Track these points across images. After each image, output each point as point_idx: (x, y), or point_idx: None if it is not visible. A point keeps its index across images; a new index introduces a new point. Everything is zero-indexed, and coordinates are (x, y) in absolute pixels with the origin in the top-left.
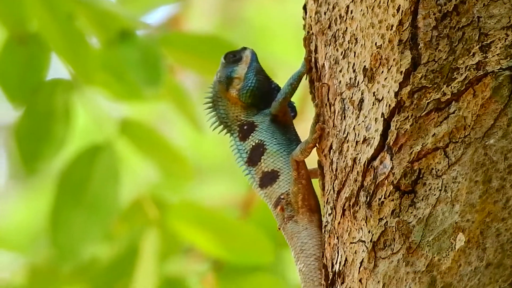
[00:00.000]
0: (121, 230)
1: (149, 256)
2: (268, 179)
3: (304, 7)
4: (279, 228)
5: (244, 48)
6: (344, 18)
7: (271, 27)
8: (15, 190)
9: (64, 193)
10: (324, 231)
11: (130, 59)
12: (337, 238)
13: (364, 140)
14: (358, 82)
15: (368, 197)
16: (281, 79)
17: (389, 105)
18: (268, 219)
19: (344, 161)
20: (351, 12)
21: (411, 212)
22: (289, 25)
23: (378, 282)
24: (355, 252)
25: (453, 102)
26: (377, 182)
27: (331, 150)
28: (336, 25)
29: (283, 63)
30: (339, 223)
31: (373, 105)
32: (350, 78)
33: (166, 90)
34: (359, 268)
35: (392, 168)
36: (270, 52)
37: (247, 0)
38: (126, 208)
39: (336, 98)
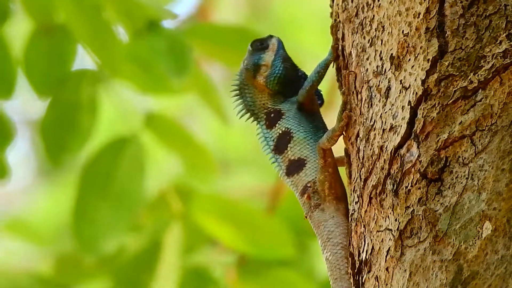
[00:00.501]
0: (146, 223)
1: (172, 248)
2: (294, 167)
3: None
4: (306, 217)
5: (271, 36)
6: (371, 6)
7: (298, 18)
8: (43, 183)
9: (89, 185)
10: (351, 220)
11: (157, 50)
12: (364, 226)
13: (391, 128)
14: (385, 70)
15: (395, 185)
16: (309, 70)
17: (416, 93)
18: (295, 210)
19: (371, 149)
20: (378, 0)
21: (438, 200)
22: (316, 16)
23: (405, 270)
24: (382, 241)
25: (480, 90)
26: (403, 170)
27: (358, 138)
28: (363, 12)
29: (311, 54)
30: (365, 211)
31: (400, 93)
32: (377, 66)
33: (192, 81)
34: (386, 256)
35: (419, 156)
36: (298, 43)
37: None
38: (151, 201)
39: (363, 86)
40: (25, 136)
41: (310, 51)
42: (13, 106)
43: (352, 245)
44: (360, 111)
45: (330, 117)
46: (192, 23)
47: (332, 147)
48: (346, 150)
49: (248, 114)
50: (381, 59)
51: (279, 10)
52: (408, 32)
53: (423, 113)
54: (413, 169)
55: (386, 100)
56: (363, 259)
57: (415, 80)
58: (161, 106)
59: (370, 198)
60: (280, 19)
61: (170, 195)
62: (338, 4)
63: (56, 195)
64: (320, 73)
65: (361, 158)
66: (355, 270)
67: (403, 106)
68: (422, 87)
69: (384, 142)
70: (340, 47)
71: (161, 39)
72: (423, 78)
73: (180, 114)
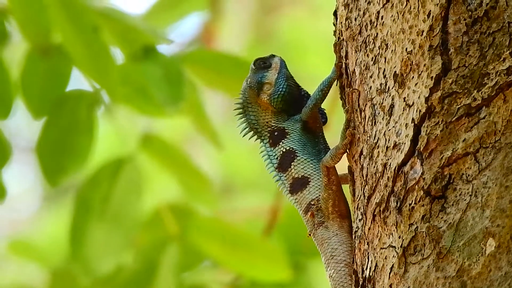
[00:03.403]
0: (142, 243)
1: (168, 268)
2: (298, 185)
3: (335, 13)
4: (310, 234)
5: (273, 55)
6: (375, 24)
7: (304, 41)
8: (50, 208)
9: (86, 206)
10: (354, 237)
11: (152, 76)
12: (368, 243)
13: (395, 145)
14: (389, 87)
15: (399, 203)
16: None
17: (420, 111)
18: (294, 229)
19: (374, 166)
20: (382, 18)
21: (442, 218)
22: (322, 39)
23: (409, 287)
24: (385, 258)
25: (484, 107)
26: (407, 187)
27: (362, 156)
28: (366, 30)
29: (316, 77)
30: (369, 228)
31: (403, 110)
32: (381, 84)
33: (187, 106)
34: (389, 273)
35: (422, 174)
36: (303, 66)
37: (280, 15)
38: (147, 221)
39: (366, 104)
40: (31, 163)
41: (315, 74)
42: (19, 132)
43: (356, 262)
44: (364, 129)
45: (328, 137)
46: (189, 49)
47: (335, 165)
48: (349, 168)
49: (252, 133)
50: (384, 76)
51: (285, 33)
52: (411, 50)
53: (426, 130)
54: (416, 186)
55: (390, 118)
56: (367, 276)
57: (419, 97)
58: (162, 130)
59: (374, 216)
60: (286, 41)
61: (166, 215)
62: (341, 23)
63: (61, 218)
64: (324, 91)
65: (364, 175)
66: (359, 287)
67: (406, 124)
68: (426, 105)
69: (388, 159)
70: (343, 65)
71: (157, 65)
72: (427, 95)
73: (183, 138)
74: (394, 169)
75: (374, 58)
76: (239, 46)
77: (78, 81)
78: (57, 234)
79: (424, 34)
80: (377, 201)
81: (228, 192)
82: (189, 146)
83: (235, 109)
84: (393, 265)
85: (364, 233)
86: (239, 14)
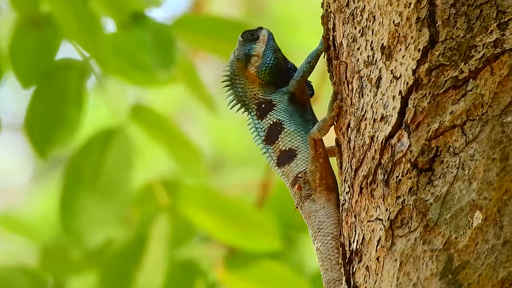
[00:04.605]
0: (133, 215)
1: (159, 241)
2: (285, 157)
3: None
4: (297, 207)
5: (261, 28)
6: None
7: (295, 17)
8: (41, 183)
9: (75, 178)
10: (342, 210)
11: (143, 42)
12: (355, 216)
13: (382, 118)
14: (376, 60)
15: (386, 175)
16: None
17: (407, 83)
18: (284, 203)
19: (361, 139)
20: None
21: (429, 190)
22: (313, 15)
23: (395, 260)
24: (373, 231)
25: (471, 79)
26: (394, 160)
27: (349, 128)
28: (354, 3)
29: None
30: (356, 201)
31: (390, 82)
32: (368, 56)
33: (180, 73)
34: (377, 246)
35: (409, 146)
36: (295, 42)
37: None
38: (138, 193)
39: (354, 76)
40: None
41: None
42: (12, 109)
43: (343, 235)
44: (351, 101)
45: (317, 111)
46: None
47: (323, 138)
48: (337, 140)
49: (239, 105)
50: (372, 49)
51: (275, 8)
52: (399, 22)
53: (414, 103)
54: (404, 159)
55: (377, 90)
56: (354, 249)
57: (406, 70)
58: (155, 103)
59: (361, 188)
60: (277, 17)
61: (157, 187)
62: None
63: (52, 193)
64: (311, 63)
65: (352, 148)
66: (346, 260)
67: (394, 96)
68: (413, 77)
69: (375, 132)
70: (331, 38)
71: (147, 31)
72: (414, 68)
73: (175, 112)
74: (381, 142)
75: (361, 30)
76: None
77: (69, 52)
78: (48, 209)
79: (412, 6)
80: (364, 173)
81: (219, 167)
82: (181, 120)
83: (222, 81)
84: (380, 238)
85: (351, 206)
86: None
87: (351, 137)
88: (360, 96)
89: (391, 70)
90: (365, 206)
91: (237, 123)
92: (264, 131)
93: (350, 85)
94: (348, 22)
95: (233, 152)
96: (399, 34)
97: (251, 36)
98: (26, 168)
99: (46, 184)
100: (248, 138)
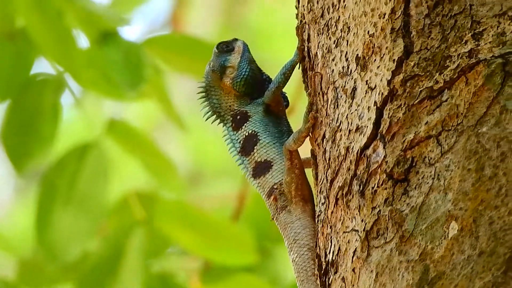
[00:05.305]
0: (109, 228)
1: (135, 254)
2: (261, 169)
3: None
4: (273, 219)
5: (236, 39)
6: (337, 7)
7: (274, 29)
8: (22, 198)
9: (51, 191)
10: (317, 221)
11: (113, 61)
12: (330, 227)
13: (357, 128)
14: (351, 70)
15: (361, 186)
16: None
17: (382, 94)
18: (261, 214)
19: (337, 150)
20: (344, 1)
21: (404, 201)
22: (292, 27)
23: (371, 271)
24: (348, 242)
25: (446, 90)
26: (370, 170)
27: (324, 139)
28: (328, 13)
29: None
30: (332, 212)
31: (366, 93)
32: (343, 67)
33: (151, 89)
34: (352, 257)
35: (385, 157)
36: (273, 53)
37: (250, 3)
38: (113, 207)
39: (329, 87)
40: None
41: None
42: None
43: (319, 246)
44: (326, 112)
45: (294, 122)
46: (152, 34)
47: (298, 149)
48: (312, 152)
49: (215, 116)
50: (346, 60)
51: (255, 21)
52: (373, 33)
53: (389, 113)
54: (379, 169)
55: (352, 101)
56: (330, 260)
57: (381, 80)
58: (133, 117)
59: (337, 199)
60: (256, 29)
61: (132, 200)
62: (303, 6)
63: (30, 207)
64: (286, 75)
65: (327, 159)
66: (322, 272)
67: (369, 107)
68: (388, 88)
69: (350, 143)
70: (306, 48)
71: (117, 50)
72: (389, 78)
73: (154, 126)
74: (357, 153)
75: (336, 41)
76: (208, 32)
77: (44, 66)
78: (28, 222)
79: (386, 16)
80: (340, 184)
81: (197, 179)
82: (160, 134)
83: (198, 93)
84: (356, 249)
85: (327, 217)
86: (208, 0)
87: (327, 148)
88: (335, 107)
89: (366, 81)
90: (340, 217)
91: (216, 135)
92: (239, 142)
93: (325, 96)
94: (323, 33)
95: (211, 164)
96: (374, 45)
97: (226, 47)
98: (8, 182)
99: (27, 197)
100: (226, 150)
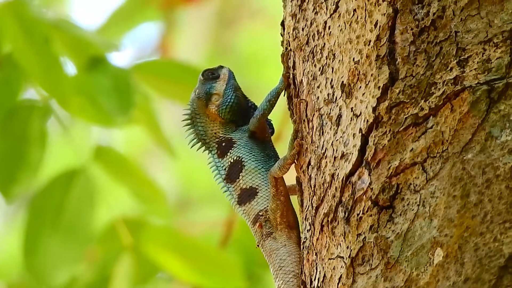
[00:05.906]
0: (97, 254)
1: (123, 280)
2: (246, 196)
3: (282, 23)
4: (258, 245)
5: (221, 66)
6: (322, 34)
7: (262, 54)
8: (9, 221)
9: (39, 217)
10: (303, 248)
11: (101, 86)
12: (316, 254)
13: (342, 155)
14: (336, 97)
15: (347, 213)
16: None
17: (367, 121)
18: (249, 240)
19: (322, 177)
20: (329, 28)
21: (390, 228)
22: (279, 52)
23: None
24: (334, 268)
25: (431, 117)
26: (355, 197)
27: (310, 166)
28: (314, 41)
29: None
30: (317, 239)
31: (351, 120)
32: (328, 94)
33: (140, 115)
34: (338, 284)
35: (370, 184)
36: (262, 79)
37: (238, 28)
38: (101, 233)
39: (314, 114)
40: None
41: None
42: None
43: (304, 273)
44: (312, 139)
45: (280, 148)
46: (144, 60)
47: (283, 176)
48: (297, 178)
49: (200, 144)
50: (332, 87)
51: (242, 46)
52: (358, 60)
53: (374, 140)
54: (364, 196)
55: (337, 128)
56: (315, 287)
57: (366, 107)
58: (121, 143)
59: (322, 226)
60: (243, 55)
61: (120, 227)
62: (289, 33)
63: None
64: (271, 102)
65: (312, 186)
66: None
67: (354, 134)
68: (373, 115)
69: (336, 169)
70: (291, 76)
71: (106, 76)
72: (374, 105)
73: (142, 152)
74: (342, 179)
75: (321, 68)
76: (197, 58)
77: (32, 92)
78: (14, 248)
79: (371, 43)
80: (325, 211)
81: (185, 205)
82: (148, 159)
83: (183, 120)
84: (341, 275)
85: (312, 244)
86: (197, 26)
87: (312, 175)
88: (321, 134)
89: (351, 108)
90: (326, 243)
91: (203, 161)
92: (225, 169)
93: (310, 123)
94: (308, 60)
95: (199, 190)
96: (359, 72)
97: (211, 74)
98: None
99: (16, 222)
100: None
